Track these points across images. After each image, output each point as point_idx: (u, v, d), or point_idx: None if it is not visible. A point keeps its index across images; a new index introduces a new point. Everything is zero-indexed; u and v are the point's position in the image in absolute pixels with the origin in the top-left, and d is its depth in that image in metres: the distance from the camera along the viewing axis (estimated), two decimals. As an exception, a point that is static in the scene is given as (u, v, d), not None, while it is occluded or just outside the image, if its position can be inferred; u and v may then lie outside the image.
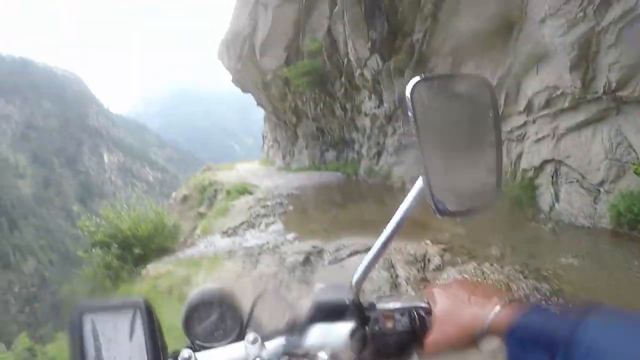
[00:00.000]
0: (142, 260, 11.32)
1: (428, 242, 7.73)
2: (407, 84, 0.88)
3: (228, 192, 19.69)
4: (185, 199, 24.36)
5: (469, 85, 1.17)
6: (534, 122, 9.42)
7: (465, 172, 1.10)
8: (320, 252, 8.27)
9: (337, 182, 20.63)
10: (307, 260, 7.96)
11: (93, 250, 12.29)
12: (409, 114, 0.97)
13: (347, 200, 15.24)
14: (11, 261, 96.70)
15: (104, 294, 9.79)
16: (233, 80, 36.31)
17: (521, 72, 9.37)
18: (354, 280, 1.05)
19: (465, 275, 6.21)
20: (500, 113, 1.36)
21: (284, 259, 8.23)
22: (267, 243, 9.84)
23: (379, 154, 18.79)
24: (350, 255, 7.88)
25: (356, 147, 22.57)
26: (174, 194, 29.05)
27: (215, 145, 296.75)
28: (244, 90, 35.95)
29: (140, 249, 11.69)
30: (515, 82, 9.65)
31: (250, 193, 18.86)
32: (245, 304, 1.05)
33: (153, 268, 9.94)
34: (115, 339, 0.82)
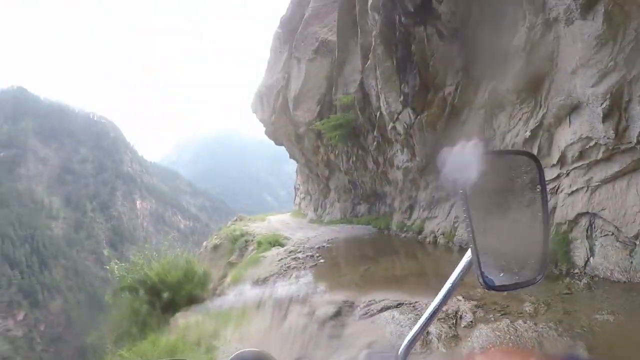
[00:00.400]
0: (171, 307, 11.27)
1: (460, 298, 7.52)
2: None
3: (259, 243, 19.66)
4: (216, 248, 24.33)
5: (516, 160, 1.26)
6: (567, 174, 9.23)
7: (512, 247, 1.20)
8: (351, 306, 8.14)
9: (368, 236, 20.42)
10: (337, 314, 7.83)
11: (121, 294, 12.32)
12: (460, 189, 1.10)
13: (378, 254, 15.01)
14: (39, 299, 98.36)
15: (131, 341, 9.74)
16: (266, 132, 36.94)
17: (554, 123, 9.27)
18: (399, 351, 1.13)
19: (498, 333, 5.99)
20: (547, 190, 1.26)
21: (313, 312, 8.13)
22: (297, 294, 9.74)
23: (411, 207, 18.61)
24: (382, 310, 7.69)
25: (388, 200, 22.37)
26: (205, 243, 29.05)
27: (247, 195, 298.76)
28: (277, 142, 36.47)
29: (169, 295, 11.58)
30: (548, 134, 9.55)
31: (282, 245, 18.81)
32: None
33: (182, 317, 9.91)
34: None
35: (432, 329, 6.43)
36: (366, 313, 7.77)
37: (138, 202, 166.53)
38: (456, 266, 1.24)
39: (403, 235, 18.21)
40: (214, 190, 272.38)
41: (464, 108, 12.47)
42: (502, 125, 10.94)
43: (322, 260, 14.46)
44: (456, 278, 1.23)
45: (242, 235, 23.35)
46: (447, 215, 14.91)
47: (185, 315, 10.01)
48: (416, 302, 7.56)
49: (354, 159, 23.88)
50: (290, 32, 28.50)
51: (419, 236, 16.63)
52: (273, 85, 31.41)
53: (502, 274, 1.17)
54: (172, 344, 7.86)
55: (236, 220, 34.80)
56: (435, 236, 15.38)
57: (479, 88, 11.58)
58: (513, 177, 1.24)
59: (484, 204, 1.16)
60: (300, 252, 16.11)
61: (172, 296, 11.68)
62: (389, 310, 7.53)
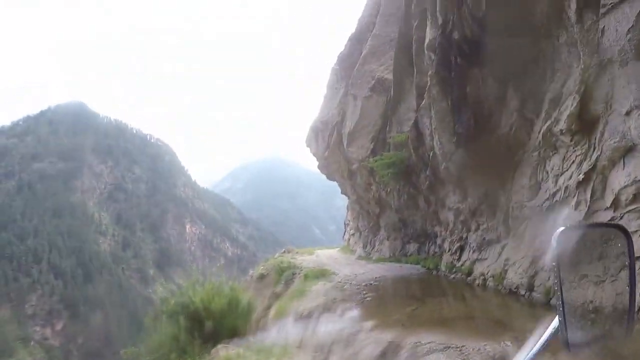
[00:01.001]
0: (212, 337, 11.23)
1: (509, 343, 7.35)
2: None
3: (306, 276, 19.73)
4: (262, 277, 24.41)
5: (608, 232, 1.35)
6: (621, 217, 8.91)
7: (600, 315, 1.25)
8: (397, 348, 8.04)
9: (417, 276, 20.18)
10: (382, 356, 7.75)
11: (163, 318, 12.37)
12: (552, 259, 1.20)
13: (426, 294, 14.84)
14: (80, 312, 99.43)
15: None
16: (319, 167, 37.30)
17: (607, 166, 9.05)
18: None
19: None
20: (635, 262, 1.31)
21: (357, 351, 8.07)
22: (342, 330, 9.70)
23: (461, 249, 18.34)
24: (428, 353, 7.56)
25: (438, 241, 22.05)
26: (251, 272, 29.23)
27: (296, 227, 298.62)
28: (330, 177, 36.80)
29: (212, 324, 11.56)
30: (602, 177, 9.33)
31: (329, 279, 18.78)
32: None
33: (223, 349, 9.89)
34: None
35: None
36: (412, 354, 7.67)
37: (188, 226, 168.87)
38: (538, 331, 1.32)
39: (452, 276, 17.92)
40: (263, 220, 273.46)
41: (517, 149, 12.33)
42: (555, 168, 10.77)
43: (368, 298, 14.39)
44: (542, 345, 1.26)
45: (289, 267, 23.41)
46: (498, 258, 14.64)
47: (226, 347, 9.95)
48: (463, 345, 7.43)
49: (406, 197, 23.65)
50: (347, 68, 29.01)
51: (468, 278, 16.33)
52: (328, 121, 31.81)
53: (586, 334, 1.22)
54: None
55: (284, 252, 34.96)
56: (484, 278, 15.08)
57: (532, 129, 11.48)
58: (603, 247, 1.30)
59: (574, 273, 1.25)
60: (347, 287, 16.08)
61: (214, 327, 11.57)
62: (435, 354, 7.42)
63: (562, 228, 1.23)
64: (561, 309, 1.18)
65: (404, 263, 24.74)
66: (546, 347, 1.24)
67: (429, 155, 18.52)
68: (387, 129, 23.58)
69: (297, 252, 34.27)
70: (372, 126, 25.16)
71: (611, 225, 1.49)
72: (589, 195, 9.66)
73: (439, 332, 8.49)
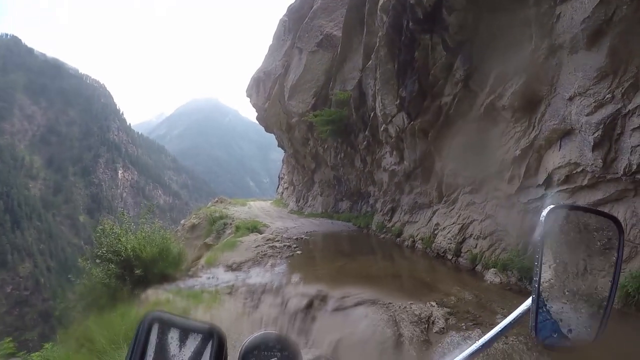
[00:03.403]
0: (142, 283, 11.09)
1: (434, 304, 7.60)
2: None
3: (237, 228, 19.74)
4: (193, 227, 24.36)
5: (600, 220, 1.25)
6: (551, 196, 9.36)
7: (574, 304, 1.17)
8: (324, 298, 8.16)
9: (347, 233, 20.52)
10: (310, 306, 7.84)
11: (94, 263, 12.11)
12: (538, 237, 1.12)
13: (355, 252, 15.09)
14: (8, 260, 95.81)
15: (99, 312, 9.60)
16: (258, 118, 36.90)
17: (544, 146, 9.41)
18: None
19: (468, 341, 6.02)
20: (622, 257, 1.24)
21: (286, 301, 8.12)
22: (271, 282, 9.74)
23: (393, 210, 18.73)
24: (356, 305, 7.74)
25: (371, 200, 22.56)
26: (182, 221, 28.98)
27: (231, 178, 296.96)
28: (268, 129, 36.48)
29: (141, 271, 11.38)
30: (537, 155, 9.69)
31: (260, 232, 18.85)
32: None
33: (153, 294, 9.76)
34: (179, 357, 0.83)
35: (404, 331, 6.49)
36: (340, 306, 7.82)
37: (120, 172, 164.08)
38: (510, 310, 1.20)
39: (382, 236, 18.36)
40: (197, 168, 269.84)
41: (458, 119, 12.50)
42: (494, 141, 11.00)
43: (299, 252, 14.50)
44: (510, 322, 1.17)
45: (222, 217, 23.40)
46: (428, 222, 15.01)
47: (156, 292, 9.81)
48: (390, 303, 7.58)
49: (342, 155, 23.95)
50: (297, 21, 28.51)
51: (398, 239, 16.78)
52: (271, 72, 31.36)
53: (556, 332, 1.15)
54: (140, 318, 7.75)
55: (217, 201, 34.75)
56: (413, 240, 15.51)
57: (475, 102, 11.63)
58: (592, 235, 1.24)
59: (557, 255, 1.18)
60: (277, 240, 16.14)
61: (144, 273, 11.47)
62: (364, 306, 7.59)
63: (552, 205, 1.17)
64: (536, 294, 1.12)
65: (335, 220, 25.18)
66: (514, 325, 1.17)
67: (369, 116, 18.61)
68: (330, 85, 23.50)
69: (229, 203, 34.21)
70: (315, 81, 24.99)
71: (606, 214, 1.27)
72: (522, 171, 10.02)
73: (366, 288, 8.67)
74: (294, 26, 29.00)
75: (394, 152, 16.84)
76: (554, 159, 9.06)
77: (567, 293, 1.16)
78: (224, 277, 11.24)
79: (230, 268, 12.11)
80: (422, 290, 8.71)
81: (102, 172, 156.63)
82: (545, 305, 1.13)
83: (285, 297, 8.43)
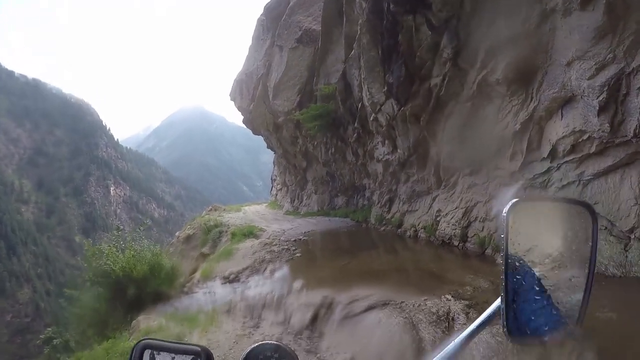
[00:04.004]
0: (135, 306, 10.48)
1: (449, 297, 7.07)
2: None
3: (233, 235, 19.27)
4: (188, 238, 23.80)
5: (569, 209, 1.23)
6: (558, 168, 8.95)
7: (547, 299, 1.13)
8: (330, 306, 7.56)
9: (346, 229, 20.07)
10: (315, 318, 7.22)
11: (83, 288, 11.51)
12: (502, 235, 1.09)
13: (357, 248, 14.59)
14: (6, 288, 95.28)
15: (86, 343, 9.04)
16: (244, 121, 36.37)
17: (545, 117, 8.97)
18: None
19: (498, 338, 5.55)
20: (597, 239, 1.19)
21: (289, 317, 7.52)
22: (272, 292, 9.12)
23: (390, 201, 18.25)
24: (367, 310, 7.14)
25: (367, 193, 22.11)
26: (177, 233, 28.47)
27: (223, 185, 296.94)
28: (255, 131, 36.00)
29: (133, 292, 10.76)
30: (539, 128, 9.26)
31: (256, 237, 18.39)
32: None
33: (144, 321, 9.03)
34: None
35: (424, 334, 5.97)
36: (349, 313, 7.23)
37: (112, 189, 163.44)
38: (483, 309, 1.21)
39: (382, 228, 17.89)
40: (189, 178, 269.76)
41: (449, 100, 12.02)
42: (490, 118, 10.54)
43: (298, 254, 14.01)
44: (480, 323, 1.17)
45: (216, 225, 22.84)
46: (429, 209, 14.55)
47: (147, 318, 9.08)
48: (402, 301, 7.05)
49: (333, 150, 23.47)
50: (274, 19, 28.04)
51: (399, 230, 16.33)
52: (253, 73, 30.89)
53: (528, 329, 1.12)
54: (128, 352, 7.15)
55: (211, 210, 34.15)
56: (415, 230, 15.06)
57: (466, 80, 11.15)
58: (562, 226, 1.22)
59: (525, 251, 1.15)
60: (275, 244, 15.66)
61: (137, 293, 10.81)
62: (375, 312, 7.00)
63: (515, 200, 1.14)
64: (504, 292, 1.10)
65: (332, 216, 24.71)
66: (485, 326, 1.17)
67: (357, 107, 18.14)
68: (314, 80, 23.04)
69: (224, 210, 33.55)
70: (298, 78, 24.50)
71: (576, 201, 1.25)
72: (524, 146, 9.56)
73: (374, 287, 8.14)
74: (272, 24, 28.47)
75: (386, 142, 16.34)
76: (557, 129, 8.61)
77: (538, 288, 1.14)
78: (221, 291, 10.65)
79: (228, 279, 11.56)
80: (433, 283, 8.21)
81: (93, 190, 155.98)
82: (516, 302, 1.12)
83: (288, 311, 7.84)
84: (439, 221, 13.63)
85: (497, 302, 1.13)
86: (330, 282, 9.45)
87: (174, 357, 0.95)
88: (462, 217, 12.27)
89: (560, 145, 8.60)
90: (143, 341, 0.95)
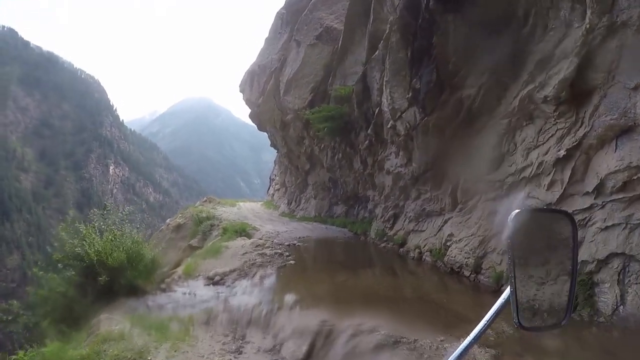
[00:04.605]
0: (106, 295, 9.24)
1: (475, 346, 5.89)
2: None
3: (225, 230, 18.43)
4: (179, 227, 22.98)
5: (555, 217, 1.61)
6: (602, 206, 7.71)
7: (545, 293, 1.44)
8: (330, 334, 6.28)
9: (344, 240, 19.09)
10: (311, 351, 5.90)
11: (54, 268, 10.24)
12: (507, 239, 1.38)
13: (356, 264, 13.50)
14: None
15: (38, 337, 7.85)
16: (251, 115, 35.86)
17: (595, 145, 7.75)
18: None
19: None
20: (578, 246, 1.51)
21: (279, 344, 6.23)
22: (260, 305, 7.86)
23: (395, 216, 17.09)
24: (377, 349, 5.86)
25: (369, 205, 21.06)
26: (168, 220, 27.48)
27: (222, 178, 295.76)
28: (261, 127, 35.48)
29: (105, 280, 9.47)
30: (586, 157, 8.05)
31: (249, 235, 17.48)
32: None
33: (106, 322, 7.48)
34: None
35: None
36: (354, 349, 5.97)
37: (111, 168, 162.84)
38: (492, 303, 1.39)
39: (382, 244, 16.83)
40: (189, 167, 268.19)
41: (482, 115, 10.90)
42: (528, 140, 9.47)
43: (292, 261, 12.89)
44: (494, 313, 1.36)
45: (208, 218, 22.14)
46: (438, 231, 13.41)
47: (110, 319, 7.60)
48: (416, 340, 5.87)
49: (340, 156, 22.49)
50: (295, 14, 27.31)
51: (401, 249, 15.30)
52: (266, 66, 30.01)
53: (533, 317, 1.40)
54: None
55: (205, 201, 33.48)
56: (420, 252, 14.01)
57: (505, 94, 10.02)
58: (552, 232, 1.52)
59: (526, 252, 1.43)
60: (268, 247, 14.56)
61: (110, 282, 9.48)
62: (386, 352, 5.76)
63: (517, 210, 1.35)
64: (513, 288, 1.30)
65: (329, 224, 23.89)
66: (498, 314, 1.36)
67: (373, 112, 17.02)
68: (330, 81, 22.08)
69: (218, 203, 32.89)
70: (313, 76, 23.63)
71: (559, 211, 1.57)
72: (567, 176, 8.39)
73: (380, 316, 6.97)
74: (292, 19, 27.66)
75: (401, 153, 15.20)
76: (608, 162, 7.42)
77: (537, 283, 1.40)
78: (202, 293, 9.39)
79: (212, 281, 10.35)
80: (447, 319, 7.11)
81: (93, 167, 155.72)
82: (520, 294, 1.35)
83: (279, 336, 6.53)
84: (448, 246, 12.49)
85: (505, 294, 1.34)
86: (327, 301, 8.29)
87: None
88: (478, 246, 11.10)
89: (609, 180, 7.41)
90: None
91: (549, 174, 8.78)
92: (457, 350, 1.33)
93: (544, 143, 8.96)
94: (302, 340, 6.01)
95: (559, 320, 1.38)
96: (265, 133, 36.00)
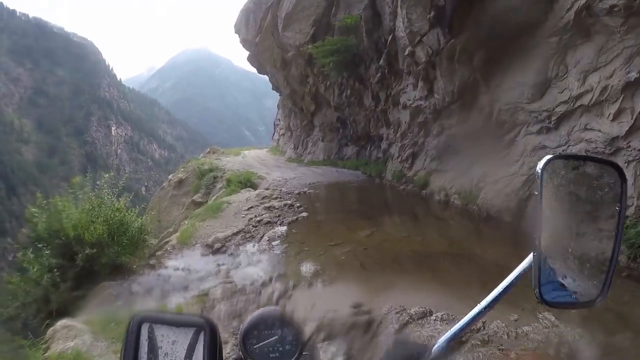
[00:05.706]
0: (86, 279, 7.72)
1: (549, 316, 4.65)
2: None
3: (228, 182, 17.20)
4: (180, 182, 21.82)
5: (601, 169, 1.16)
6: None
7: (578, 260, 1.07)
8: (369, 328, 4.56)
9: (358, 183, 17.83)
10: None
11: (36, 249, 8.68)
12: (536, 191, 1.04)
13: (376, 211, 11.98)
14: (7, 228, 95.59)
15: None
16: (249, 58, 34.14)
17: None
18: (435, 347, 1.07)
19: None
20: (626, 207, 1.09)
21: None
22: (270, 282, 6.21)
23: (414, 155, 15.55)
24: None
25: (383, 145, 19.68)
26: (170, 176, 26.20)
27: (225, 128, 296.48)
28: (260, 70, 33.92)
29: (84, 259, 7.98)
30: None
31: (254, 186, 16.31)
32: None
33: (62, 331, 5.48)
34: (172, 354, 0.86)
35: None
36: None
37: (113, 129, 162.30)
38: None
39: (401, 187, 15.50)
40: (192, 120, 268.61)
41: (524, 34, 9.24)
42: (585, 61, 7.90)
43: (304, 214, 11.41)
44: (512, 281, 1.07)
45: (211, 170, 20.92)
46: (467, 171, 11.79)
47: (68, 328, 5.69)
48: (484, 322, 4.28)
49: (349, 92, 21.13)
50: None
51: (423, 191, 13.98)
52: (262, 1, 28.05)
53: (560, 289, 1.06)
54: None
55: (209, 152, 32.25)
56: (446, 194, 12.61)
57: (552, 6, 8.41)
58: (595, 187, 1.14)
59: (558, 209, 1.07)
60: (275, 198, 13.22)
61: (89, 262, 7.99)
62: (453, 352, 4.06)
63: (549, 156, 1.05)
64: (538, 251, 1.00)
65: (340, 167, 22.86)
66: (517, 283, 1.05)
67: (385, 41, 15.49)
68: (333, 11, 20.47)
69: (222, 153, 31.84)
70: (314, 7, 21.91)
71: (605, 161, 1.12)
72: (639, 104, 6.91)
73: (423, 287, 5.44)
74: (287, -54, 25.49)
75: (420, 84, 13.59)
76: None
77: (569, 249, 1.08)
78: (199, 267, 7.74)
79: (211, 248, 8.84)
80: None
81: (95, 130, 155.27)
82: (547, 262, 1.06)
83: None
84: (481, 187, 11.02)
85: (528, 259, 1.04)
86: (353, 269, 6.83)
87: (175, 331, 0.84)
88: (521, 186, 9.50)
89: None
90: (139, 315, 0.81)
91: (615, 101, 7.22)
92: (468, 316, 1.05)
93: (607, 64, 7.47)
94: (333, 347, 4.22)
95: (594, 296, 0.99)
96: (266, 76, 34.41)
